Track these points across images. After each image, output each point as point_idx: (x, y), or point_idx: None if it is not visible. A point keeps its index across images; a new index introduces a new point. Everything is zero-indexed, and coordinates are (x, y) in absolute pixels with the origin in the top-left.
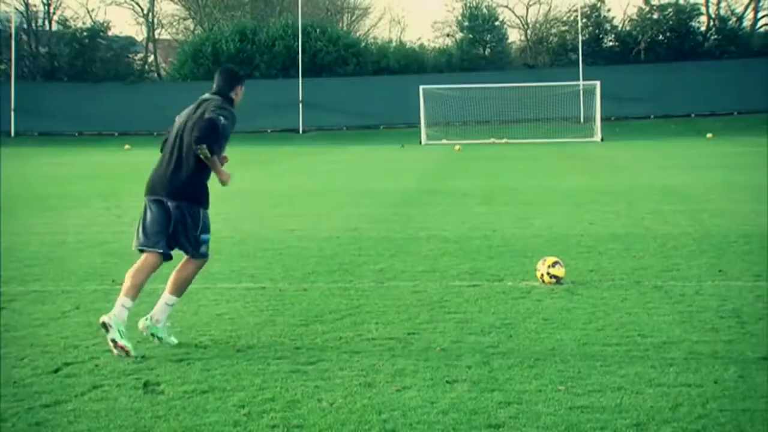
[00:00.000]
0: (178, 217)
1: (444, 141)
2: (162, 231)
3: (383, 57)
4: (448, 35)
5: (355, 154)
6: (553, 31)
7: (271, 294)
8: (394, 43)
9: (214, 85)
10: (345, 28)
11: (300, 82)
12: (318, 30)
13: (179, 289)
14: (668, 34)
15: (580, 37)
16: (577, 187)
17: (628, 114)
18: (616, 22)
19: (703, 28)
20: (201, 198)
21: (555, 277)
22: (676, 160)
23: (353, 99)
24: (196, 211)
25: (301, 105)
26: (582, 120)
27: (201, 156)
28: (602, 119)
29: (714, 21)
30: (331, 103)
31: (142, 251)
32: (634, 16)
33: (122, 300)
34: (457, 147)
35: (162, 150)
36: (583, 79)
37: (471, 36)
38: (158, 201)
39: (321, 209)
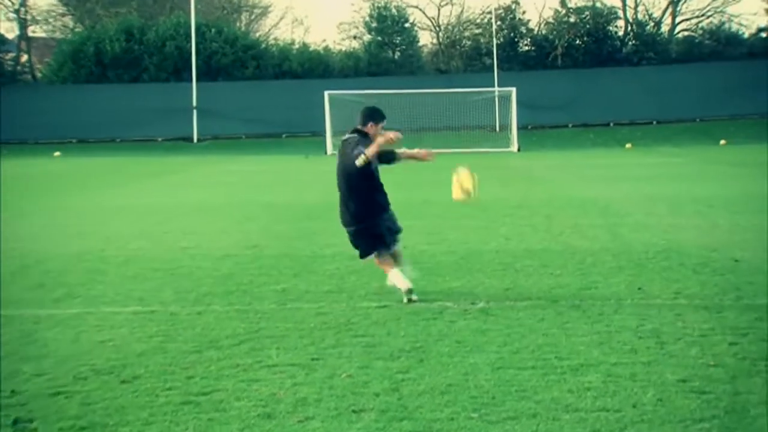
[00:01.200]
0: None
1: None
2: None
3: (285, 60)
4: (354, 37)
5: (255, 165)
6: (467, 34)
7: (162, 318)
8: (297, 45)
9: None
10: (243, 28)
11: (194, 86)
12: (213, 30)
13: (399, 263)
14: (585, 38)
15: (494, 41)
16: (493, 199)
17: (546, 122)
18: (531, 25)
19: (620, 33)
20: (376, 211)
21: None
22: (595, 171)
23: (253, 105)
24: (378, 221)
25: (195, 111)
26: (498, 128)
27: (362, 163)
28: (519, 128)
29: (632, 26)
30: (229, 109)
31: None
32: (551, 19)
33: (395, 272)
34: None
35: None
36: (499, 86)
37: (379, 38)
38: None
39: (217, 225)
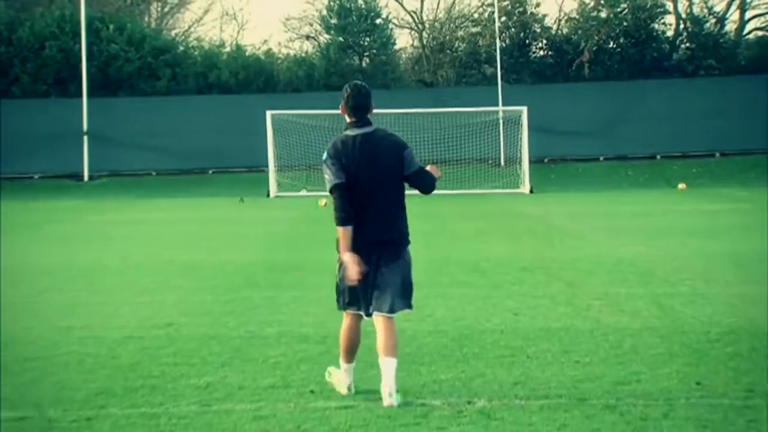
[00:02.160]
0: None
1: (303, 192)
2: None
3: (212, 68)
4: (308, 37)
5: (170, 212)
6: (460, 33)
7: (38, 428)
8: (228, 48)
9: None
10: (153, 25)
11: (84, 103)
12: (112, 26)
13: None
14: (622, 40)
15: (498, 43)
16: (496, 259)
17: (568, 154)
18: (548, 21)
19: (670, 33)
20: (407, 238)
21: None
22: (635, 220)
23: (167, 130)
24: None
25: (86, 138)
26: (503, 162)
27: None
28: (531, 161)
29: (685, 23)
30: (133, 135)
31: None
32: (575, 14)
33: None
34: (322, 202)
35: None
36: (504, 104)
37: (341, 39)
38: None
39: (116, 295)
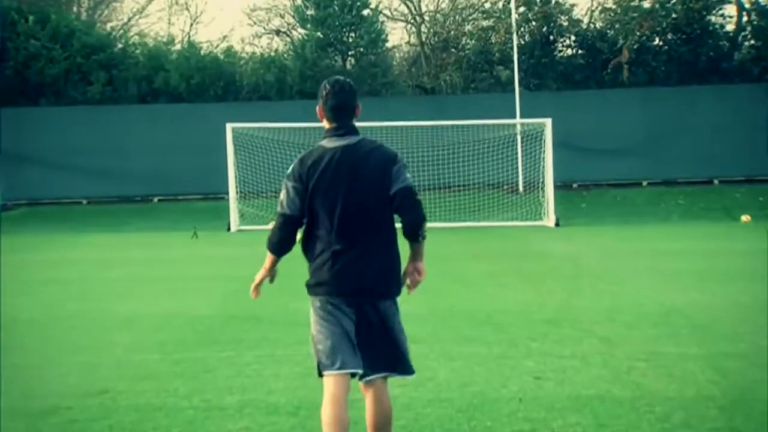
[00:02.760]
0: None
1: (272, 225)
2: None
3: (158, 70)
4: (278, 33)
5: (106, 251)
6: (468, 27)
7: None
8: (178, 46)
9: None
10: (84, 16)
11: None
12: (31, 18)
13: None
14: (670, 36)
15: (515, 40)
16: (513, 309)
17: (602, 177)
18: (578, 13)
19: (730, 28)
20: (399, 283)
21: None
22: (687, 261)
23: (101, 147)
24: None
25: None
26: (521, 187)
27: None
28: (557, 187)
29: (749, 16)
30: (58, 154)
31: None
32: (611, 4)
33: None
34: (297, 236)
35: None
36: (523, 115)
37: (320, 34)
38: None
39: (39, 355)
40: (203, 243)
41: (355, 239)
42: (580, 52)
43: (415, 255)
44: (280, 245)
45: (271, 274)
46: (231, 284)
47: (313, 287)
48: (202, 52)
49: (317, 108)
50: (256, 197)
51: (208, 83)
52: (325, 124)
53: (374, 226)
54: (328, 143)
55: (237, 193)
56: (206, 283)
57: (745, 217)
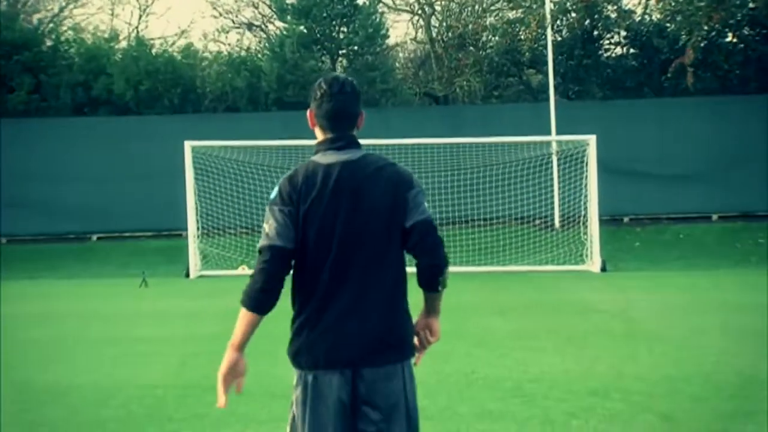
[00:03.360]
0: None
1: (242, 270)
2: None
3: (98, 74)
4: (250, 26)
5: (29, 303)
6: (491, 20)
7: None
8: (124, 43)
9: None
10: (3, 6)
11: None
12: None
13: None
14: (747, 31)
15: (550, 36)
16: (548, 377)
17: (661, 210)
18: (629, 2)
19: None
20: (410, 344)
21: None
22: None
23: (25, 171)
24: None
25: None
26: (558, 223)
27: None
28: (603, 221)
29: None
30: None
31: None
32: None
33: None
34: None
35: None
36: (560, 131)
37: (303, 29)
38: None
39: None
40: (155, 293)
41: (354, 287)
42: (631, 51)
43: (430, 309)
44: (265, 294)
45: (240, 366)
46: (189, 346)
47: (294, 356)
48: (153, 51)
49: (308, 113)
50: (222, 234)
51: (162, 90)
52: (318, 134)
53: (381, 268)
54: (322, 158)
55: (198, 229)
56: (158, 346)
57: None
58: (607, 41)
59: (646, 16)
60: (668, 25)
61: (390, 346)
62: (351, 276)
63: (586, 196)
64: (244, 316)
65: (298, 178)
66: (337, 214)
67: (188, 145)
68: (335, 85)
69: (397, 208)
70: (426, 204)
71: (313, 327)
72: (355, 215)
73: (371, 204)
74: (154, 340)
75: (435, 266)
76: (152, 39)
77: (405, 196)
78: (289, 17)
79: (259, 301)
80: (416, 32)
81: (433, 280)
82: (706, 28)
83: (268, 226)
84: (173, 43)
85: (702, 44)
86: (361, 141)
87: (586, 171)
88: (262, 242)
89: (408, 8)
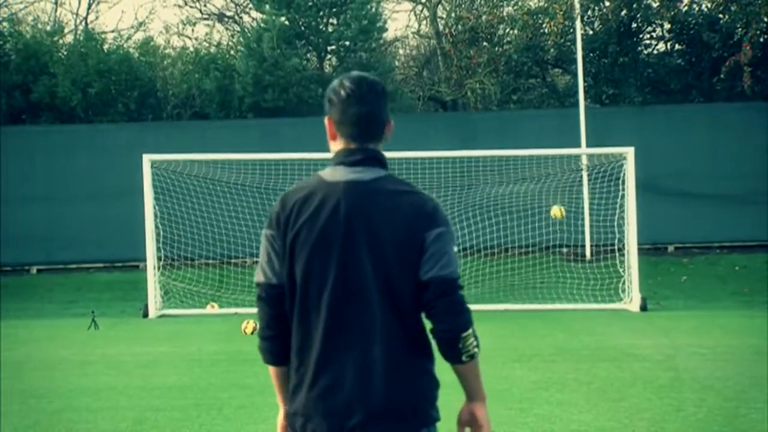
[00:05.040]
0: None
1: (212, 309)
2: None
3: (38, 74)
4: (221, 18)
5: None
6: (508, 10)
7: None
8: (70, 37)
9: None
10: None
11: None
12: None
13: None
14: None
15: (579, 29)
16: None
17: (714, 237)
18: None
19: None
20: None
21: None
22: None
23: None
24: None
25: None
26: (589, 252)
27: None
28: (643, 250)
29: None
30: None
31: None
32: None
33: None
34: (249, 325)
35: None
36: (590, 142)
37: (285, 20)
38: None
39: None
40: (107, 336)
41: (354, 340)
42: (677, 47)
43: (467, 391)
44: (269, 343)
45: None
46: (147, 399)
47: (291, 417)
48: (105, 47)
49: (326, 121)
50: (187, 266)
51: (116, 94)
52: (335, 145)
53: (388, 321)
54: (329, 174)
55: (159, 259)
56: (110, 399)
57: (556, 211)
58: (648, 35)
59: (695, 6)
60: (721, 16)
61: (402, 418)
62: (350, 328)
63: (623, 219)
64: (270, 370)
65: (293, 198)
66: (331, 248)
67: (147, 158)
68: (364, 84)
69: (411, 249)
70: (454, 250)
71: (307, 389)
72: (354, 252)
73: (379, 239)
74: (105, 392)
75: (452, 331)
76: (104, 32)
77: (423, 236)
78: (267, 7)
79: (265, 351)
80: (419, 24)
81: (451, 350)
82: (766, 20)
83: (260, 258)
84: (129, 38)
85: (762, 39)
86: None
87: (623, 190)
88: (255, 277)
89: None
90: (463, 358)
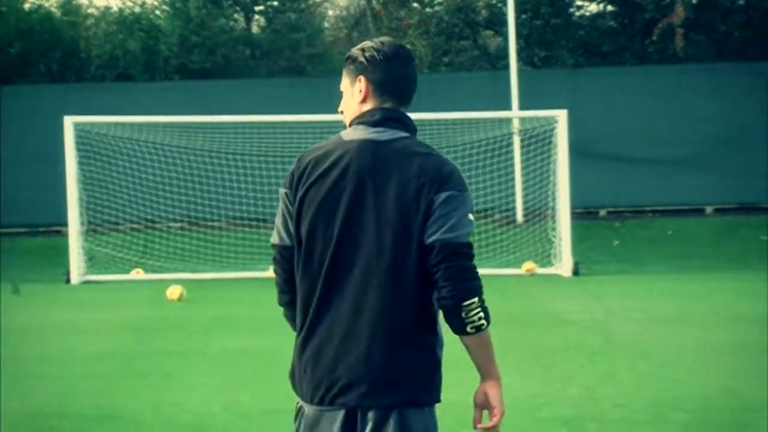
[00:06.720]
0: None
1: (137, 274)
2: None
3: None
4: None
5: None
6: None
7: None
8: None
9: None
10: None
11: None
12: None
13: None
14: None
15: None
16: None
17: (645, 201)
18: None
19: None
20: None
21: None
22: None
23: None
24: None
25: None
26: (520, 216)
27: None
28: (575, 215)
29: None
30: None
31: None
32: None
33: None
34: (175, 291)
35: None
36: (522, 105)
37: None
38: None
39: None
40: (29, 303)
41: (348, 305)
42: (609, 9)
43: (478, 367)
44: (290, 309)
45: None
46: (73, 368)
47: (290, 378)
48: (26, 6)
49: (362, 81)
50: (113, 230)
51: (37, 54)
52: (361, 107)
53: (388, 284)
54: (349, 134)
55: (82, 224)
56: (35, 367)
57: (528, 266)
58: None
59: None
60: None
61: (399, 380)
62: (347, 290)
63: (554, 184)
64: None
65: (311, 155)
66: (337, 208)
67: (69, 121)
68: (402, 50)
69: (418, 211)
70: (469, 217)
71: (301, 351)
72: (359, 212)
73: (384, 200)
74: (27, 360)
75: (457, 297)
76: None
77: (431, 198)
78: None
79: (291, 320)
80: None
81: (453, 318)
82: None
83: (277, 216)
84: None
85: (694, 1)
86: (278, 117)
87: (555, 154)
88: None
89: None
90: (468, 329)
